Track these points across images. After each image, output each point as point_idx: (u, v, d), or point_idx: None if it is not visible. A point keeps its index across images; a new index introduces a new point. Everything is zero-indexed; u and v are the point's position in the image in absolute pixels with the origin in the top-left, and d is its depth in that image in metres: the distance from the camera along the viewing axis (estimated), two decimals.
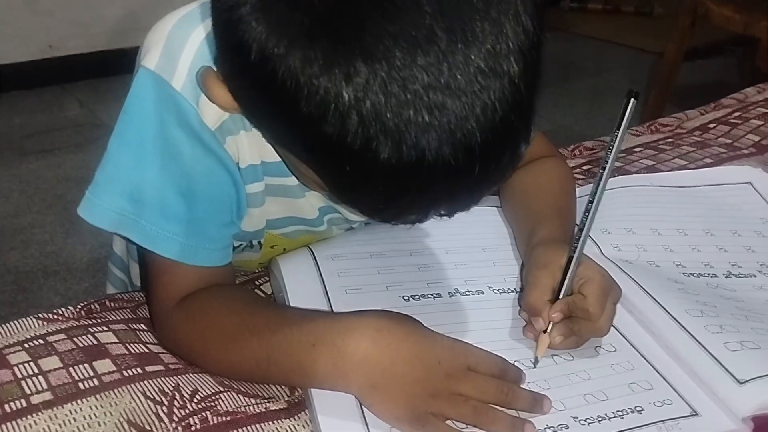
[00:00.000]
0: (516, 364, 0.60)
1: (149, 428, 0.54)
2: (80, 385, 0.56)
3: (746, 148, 1.03)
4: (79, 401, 0.54)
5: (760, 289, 0.73)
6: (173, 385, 0.57)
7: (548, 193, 0.76)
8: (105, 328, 0.63)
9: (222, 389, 0.58)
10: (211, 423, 0.55)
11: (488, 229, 0.79)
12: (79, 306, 0.67)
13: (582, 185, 0.86)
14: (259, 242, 0.73)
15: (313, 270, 0.69)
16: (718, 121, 1.12)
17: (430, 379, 0.54)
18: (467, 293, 0.69)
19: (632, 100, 0.60)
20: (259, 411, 0.56)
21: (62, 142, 2.47)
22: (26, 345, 0.59)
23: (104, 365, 0.58)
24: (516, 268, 0.73)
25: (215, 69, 0.56)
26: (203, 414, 0.55)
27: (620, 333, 0.65)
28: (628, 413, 0.57)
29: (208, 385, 0.58)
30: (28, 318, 0.64)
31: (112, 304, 0.69)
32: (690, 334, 0.63)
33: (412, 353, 0.55)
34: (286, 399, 0.58)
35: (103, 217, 0.61)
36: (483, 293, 0.69)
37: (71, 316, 0.65)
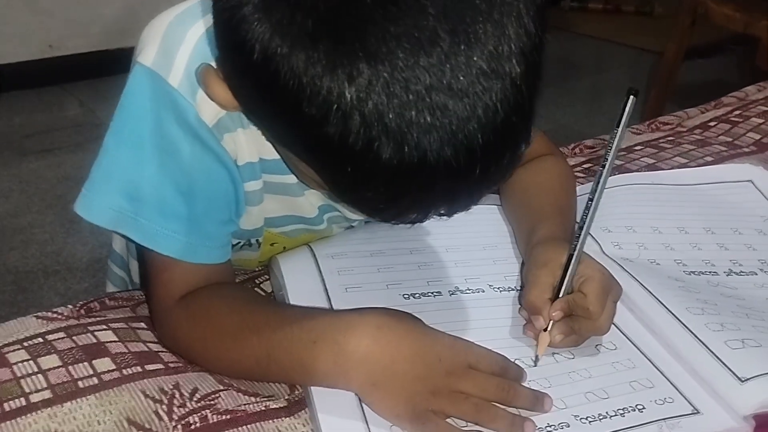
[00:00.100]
0: (516, 362, 0.60)
1: (149, 427, 0.53)
2: (80, 383, 0.56)
3: (747, 146, 1.03)
4: (78, 400, 0.54)
5: (761, 287, 0.73)
6: (173, 383, 0.57)
7: (548, 192, 0.76)
8: (104, 327, 0.63)
9: (222, 388, 0.58)
10: (211, 421, 0.55)
11: (488, 228, 0.78)
12: (78, 305, 0.67)
13: (582, 184, 0.86)
14: (258, 241, 0.73)
15: (313, 268, 0.69)
16: (719, 119, 1.12)
17: (431, 376, 0.54)
18: (467, 291, 0.68)
19: (632, 97, 0.60)
20: (259, 409, 0.56)
21: (62, 141, 2.47)
22: (26, 344, 0.59)
23: (104, 364, 0.58)
24: (516, 266, 0.73)
25: (214, 66, 0.55)
26: (203, 412, 0.55)
27: (621, 331, 0.65)
28: (629, 411, 0.57)
29: (207, 384, 0.58)
30: (27, 317, 0.63)
31: (112, 303, 0.69)
32: (691, 332, 0.63)
33: (413, 351, 0.55)
34: (286, 397, 0.58)
35: (100, 215, 0.61)
36: (483, 291, 0.69)
37: (71, 314, 0.65)
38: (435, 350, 0.55)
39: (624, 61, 3.39)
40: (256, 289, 0.71)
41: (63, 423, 0.53)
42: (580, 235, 0.63)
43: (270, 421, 0.56)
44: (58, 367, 0.57)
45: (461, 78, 0.43)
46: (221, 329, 0.60)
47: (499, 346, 0.59)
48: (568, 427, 0.55)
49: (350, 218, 0.74)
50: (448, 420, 0.55)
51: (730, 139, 1.05)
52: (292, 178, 0.65)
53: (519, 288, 0.69)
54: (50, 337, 0.60)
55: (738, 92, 1.23)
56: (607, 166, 0.63)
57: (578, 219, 0.67)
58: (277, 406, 0.57)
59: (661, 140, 1.05)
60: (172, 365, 0.60)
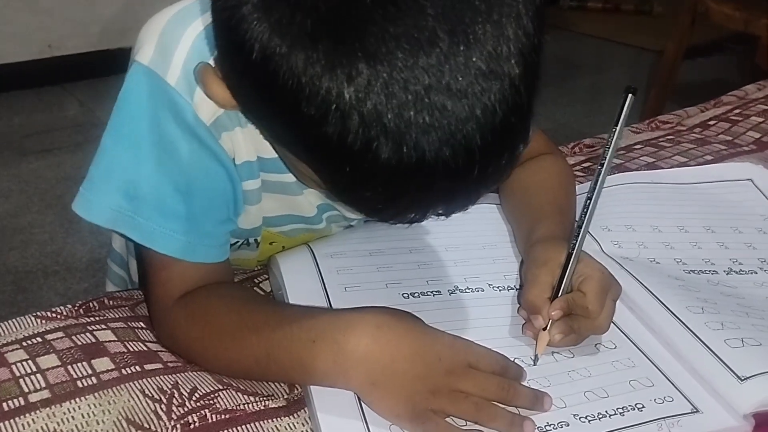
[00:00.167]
0: (516, 361, 0.60)
1: (148, 426, 0.53)
2: (78, 383, 0.56)
3: (747, 145, 1.03)
4: (77, 399, 0.54)
5: (761, 286, 0.73)
6: (172, 383, 0.57)
7: (547, 191, 0.76)
8: (103, 327, 0.62)
9: (221, 387, 0.58)
10: (210, 421, 0.54)
11: (488, 227, 0.78)
12: (77, 304, 0.67)
13: (582, 183, 0.86)
14: (256, 240, 0.73)
15: (312, 268, 0.69)
16: (719, 118, 1.12)
17: (431, 375, 0.54)
18: (467, 290, 0.68)
19: (630, 96, 0.60)
20: (258, 409, 0.56)
21: (62, 141, 2.47)
22: (24, 343, 0.59)
23: (103, 363, 0.58)
24: (516, 265, 0.73)
25: (212, 65, 0.55)
26: (202, 412, 0.55)
27: (621, 330, 0.65)
28: (628, 410, 0.57)
29: (206, 383, 0.58)
30: (26, 316, 0.63)
31: (111, 302, 0.69)
32: (691, 331, 0.63)
33: (413, 350, 0.55)
34: (286, 397, 0.58)
35: (99, 214, 0.61)
36: (483, 290, 0.69)
37: (69, 314, 0.65)
38: (435, 349, 0.55)
39: (623, 61, 3.39)
40: (255, 288, 0.71)
41: (62, 423, 0.53)
42: (578, 234, 0.63)
43: (269, 421, 0.56)
44: (57, 366, 0.57)
45: (460, 78, 0.43)
46: (220, 328, 0.60)
47: (498, 345, 0.59)
48: (568, 426, 0.55)
49: (349, 217, 0.74)
50: (447, 419, 0.55)
51: (730, 138, 1.05)
52: (290, 177, 0.65)
53: (518, 287, 0.69)
54: (49, 336, 0.60)
55: (738, 91, 1.23)
56: (605, 165, 0.63)
57: (577, 218, 0.67)
58: (277, 406, 0.57)
59: (660, 139, 1.05)
60: (171, 365, 0.60)
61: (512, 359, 0.59)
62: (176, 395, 0.56)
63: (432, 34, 0.43)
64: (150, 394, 0.56)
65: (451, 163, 0.45)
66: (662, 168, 0.95)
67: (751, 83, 1.26)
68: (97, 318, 0.64)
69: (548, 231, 0.69)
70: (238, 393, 0.57)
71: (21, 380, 0.55)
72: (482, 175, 0.46)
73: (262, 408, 0.56)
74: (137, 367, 0.58)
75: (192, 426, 0.54)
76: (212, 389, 0.57)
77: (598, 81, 3.20)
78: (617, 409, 0.57)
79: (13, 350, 0.58)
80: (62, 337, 0.60)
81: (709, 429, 0.56)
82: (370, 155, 0.44)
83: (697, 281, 0.72)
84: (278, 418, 0.56)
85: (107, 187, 0.60)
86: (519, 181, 0.77)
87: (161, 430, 0.53)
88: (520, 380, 0.58)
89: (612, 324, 0.63)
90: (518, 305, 0.66)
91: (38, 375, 0.56)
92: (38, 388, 0.55)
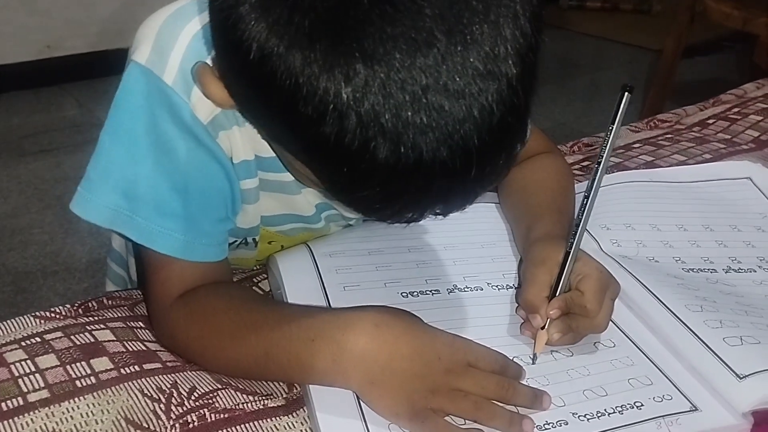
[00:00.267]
0: (515, 360, 0.60)
1: (147, 426, 0.53)
2: (77, 383, 0.56)
3: (745, 143, 1.03)
4: (76, 399, 0.54)
5: (759, 284, 0.73)
6: (171, 382, 0.57)
7: (546, 190, 0.76)
8: (102, 326, 0.62)
9: (220, 386, 0.58)
10: (209, 420, 0.54)
11: (487, 226, 0.78)
12: (76, 304, 0.67)
13: (580, 181, 0.86)
14: (254, 240, 0.73)
15: (311, 267, 0.69)
16: (717, 116, 1.12)
17: (430, 374, 0.54)
18: (466, 290, 0.68)
19: (626, 94, 0.60)
20: (257, 408, 0.56)
21: (61, 142, 2.47)
22: (23, 343, 0.59)
23: (101, 363, 0.58)
24: (514, 264, 0.73)
25: (210, 65, 0.55)
26: (201, 411, 0.55)
27: (619, 328, 0.65)
28: (627, 409, 0.57)
29: (205, 383, 0.58)
30: (25, 316, 0.63)
31: (110, 302, 0.69)
32: (689, 329, 0.63)
33: (412, 348, 0.54)
34: (285, 396, 0.58)
35: (97, 213, 0.60)
36: (482, 289, 0.69)
37: (68, 314, 0.65)
38: (434, 348, 0.55)
39: (622, 59, 3.39)
40: (254, 287, 0.71)
41: (60, 422, 0.53)
42: (576, 232, 0.63)
43: (268, 420, 0.56)
44: (56, 366, 0.57)
45: (457, 79, 0.43)
46: (219, 328, 0.60)
47: (497, 344, 0.59)
48: (567, 424, 0.55)
49: (348, 217, 0.74)
50: (446, 418, 0.54)
51: (729, 137, 1.05)
52: (288, 176, 0.65)
53: (517, 286, 0.69)
54: (48, 336, 0.60)
55: (736, 90, 1.23)
56: (602, 163, 0.63)
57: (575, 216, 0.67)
58: (275, 405, 0.57)
59: (659, 138, 1.05)
60: (170, 364, 0.60)
61: (511, 358, 0.59)
62: (175, 395, 0.56)
63: (429, 35, 0.43)
64: (149, 394, 0.56)
65: (448, 163, 0.45)
66: (661, 167, 0.95)
67: (749, 82, 1.26)
68: (95, 318, 0.64)
69: (546, 230, 0.69)
70: (237, 392, 0.57)
71: (20, 380, 0.55)
72: (480, 175, 0.47)
73: (261, 407, 0.56)
74: (136, 367, 0.58)
75: (191, 425, 0.54)
76: (211, 388, 0.57)
77: (597, 80, 3.20)
78: (616, 407, 0.57)
79: (11, 350, 0.58)
80: (61, 337, 0.60)
81: (708, 427, 0.56)
82: (367, 155, 0.44)
83: (696, 280, 0.72)
84: (277, 418, 0.56)
85: (105, 187, 0.60)
86: (518, 180, 0.77)
87: (160, 429, 0.53)
88: (519, 379, 0.58)
89: (611, 322, 0.63)
90: (517, 304, 0.66)
91: (37, 375, 0.56)
92: (37, 387, 0.55)
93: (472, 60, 0.43)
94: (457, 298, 0.67)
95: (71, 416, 0.53)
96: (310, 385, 0.57)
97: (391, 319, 0.56)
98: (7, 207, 2.13)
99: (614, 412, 0.56)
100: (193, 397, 0.56)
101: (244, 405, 0.56)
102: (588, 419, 0.56)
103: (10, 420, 0.52)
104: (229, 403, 0.56)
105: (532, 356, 0.61)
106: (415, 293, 0.67)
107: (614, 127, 0.61)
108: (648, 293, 0.68)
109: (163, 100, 0.59)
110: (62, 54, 2.83)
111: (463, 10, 0.43)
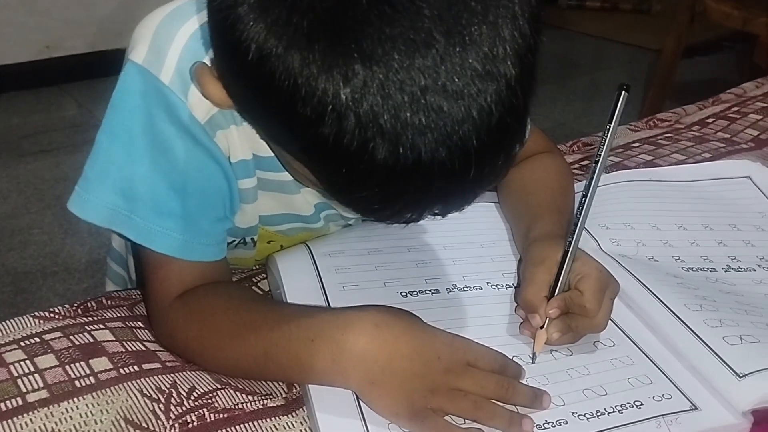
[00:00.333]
0: (514, 359, 0.60)
1: (146, 426, 0.53)
2: (76, 383, 0.56)
3: (745, 142, 1.03)
4: (75, 399, 0.54)
5: (759, 283, 0.73)
6: (170, 382, 0.57)
7: (545, 189, 0.76)
8: (101, 326, 0.62)
9: (219, 386, 0.58)
10: (209, 420, 0.54)
11: (486, 225, 0.78)
12: (75, 304, 0.67)
13: (580, 181, 0.86)
14: (253, 239, 0.73)
15: (310, 267, 0.69)
16: (717, 116, 1.12)
17: (429, 374, 0.54)
18: (465, 289, 0.68)
19: (624, 93, 0.61)
20: (256, 408, 0.56)
21: (60, 142, 2.47)
22: (22, 343, 0.59)
23: (101, 363, 0.58)
24: (514, 263, 0.72)
25: (208, 65, 0.55)
26: (200, 411, 0.55)
27: (619, 328, 0.65)
28: (627, 408, 0.57)
29: (205, 383, 0.58)
30: (24, 316, 0.63)
31: (109, 302, 0.69)
32: (689, 328, 0.63)
33: (411, 348, 0.54)
34: (284, 396, 0.58)
35: (95, 213, 0.60)
36: (481, 289, 0.69)
37: (67, 314, 0.65)
38: (433, 348, 0.55)
39: (622, 59, 3.39)
40: (253, 287, 0.71)
41: (60, 423, 0.53)
42: (574, 231, 0.63)
43: (267, 420, 0.56)
44: (55, 366, 0.57)
45: (456, 79, 0.43)
46: (218, 328, 0.60)
47: (497, 344, 0.59)
48: (566, 423, 0.55)
49: (347, 216, 0.74)
50: (446, 418, 0.54)
51: (728, 136, 1.05)
52: (287, 176, 0.65)
53: (516, 285, 0.69)
54: (47, 336, 0.60)
55: (736, 89, 1.23)
56: (600, 162, 0.63)
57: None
58: (275, 405, 0.57)
59: (658, 137, 1.05)
60: (169, 364, 0.60)
61: (511, 357, 0.59)
62: (174, 395, 0.56)
63: (428, 36, 0.43)
64: (148, 394, 0.56)
65: (447, 163, 0.45)
66: (660, 166, 0.95)
67: (749, 81, 1.26)
68: (95, 318, 0.64)
69: (546, 229, 0.69)
70: (237, 392, 0.57)
71: (19, 380, 0.55)
72: (478, 176, 0.47)
73: (261, 407, 0.56)
74: (135, 367, 0.58)
75: (190, 425, 0.54)
76: (210, 388, 0.57)
77: (597, 80, 3.21)
78: (616, 406, 0.57)
79: (11, 350, 0.58)
80: (60, 337, 0.60)
81: (707, 426, 0.56)
82: (366, 156, 0.44)
83: (695, 279, 0.72)
84: (276, 417, 0.56)
85: (103, 186, 0.60)
86: (517, 180, 0.77)
87: (159, 429, 0.53)
88: (518, 378, 0.58)
89: (610, 322, 0.63)
90: (516, 304, 0.66)
91: (36, 375, 0.56)
92: (36, 388, 0.55)
93: (470, 61, 0.43)
94: (456, 298, 0.67)
95: (70, 416, 0.53)
96: (310, 385, 0.57)
97: (390, 318, 0.56)
98: (7, 207, 2.13)
99: (614, 412, 0.56)
100: (192, 397, 0.56)
101: (244, 405, 0.56)
102: (588, 418, 0.56)
103: (9, 420, 0.52)
104: (228, 403, 0.56)
105: (531, 356, 0.61)
106: (415, 293, 0.67)
107: (612, 126, 0.62)
108: (647, 292, 0.67)
109: (160, 100, 0.59)
110: (62, 54, 2.83)
111: (461, 10, 0.43)
